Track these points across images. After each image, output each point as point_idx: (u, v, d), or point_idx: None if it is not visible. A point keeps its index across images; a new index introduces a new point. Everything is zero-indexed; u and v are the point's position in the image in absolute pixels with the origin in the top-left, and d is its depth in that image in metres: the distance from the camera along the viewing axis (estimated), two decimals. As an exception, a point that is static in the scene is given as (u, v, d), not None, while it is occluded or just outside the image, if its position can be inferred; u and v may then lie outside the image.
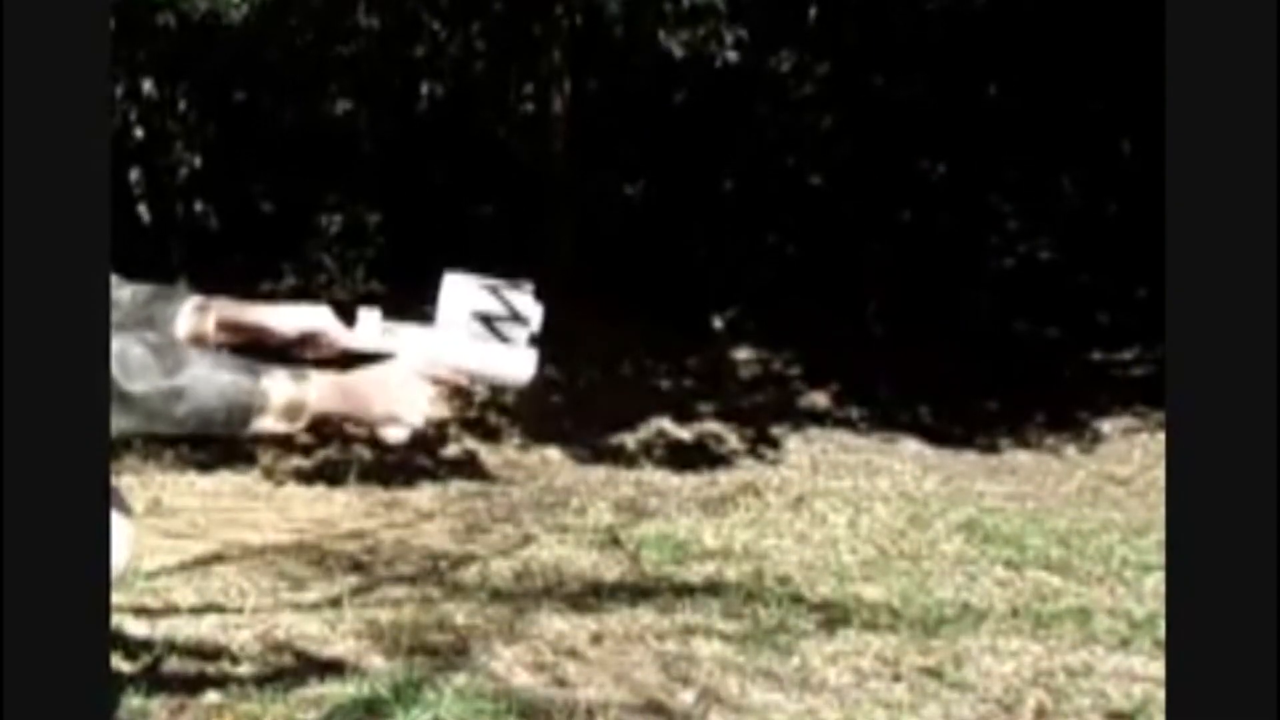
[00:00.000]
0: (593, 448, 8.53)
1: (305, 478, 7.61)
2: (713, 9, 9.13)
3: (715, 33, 9.03)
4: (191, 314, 2.13)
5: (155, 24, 8.52)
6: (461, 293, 2.02)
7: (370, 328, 2.05)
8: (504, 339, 2.02)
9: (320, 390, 1.94)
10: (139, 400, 1.81)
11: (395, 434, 2.01)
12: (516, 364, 2.04)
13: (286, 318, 2.14)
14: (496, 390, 9.30)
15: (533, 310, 2.03)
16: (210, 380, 1.87)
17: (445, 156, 11.20)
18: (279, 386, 1.91)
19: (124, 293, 2.10)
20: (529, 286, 2.04)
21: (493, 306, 2.02)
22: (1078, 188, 11.65)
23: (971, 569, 4.93)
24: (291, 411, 1.92)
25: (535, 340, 2.04)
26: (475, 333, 2.01)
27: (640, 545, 5.20)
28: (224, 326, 2.14)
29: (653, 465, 8.25)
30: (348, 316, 2.10)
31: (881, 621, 3.92)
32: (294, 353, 2.12)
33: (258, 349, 2.11)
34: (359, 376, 1.99)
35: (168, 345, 1.90)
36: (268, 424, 1.91)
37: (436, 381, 2.02)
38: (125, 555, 2.11)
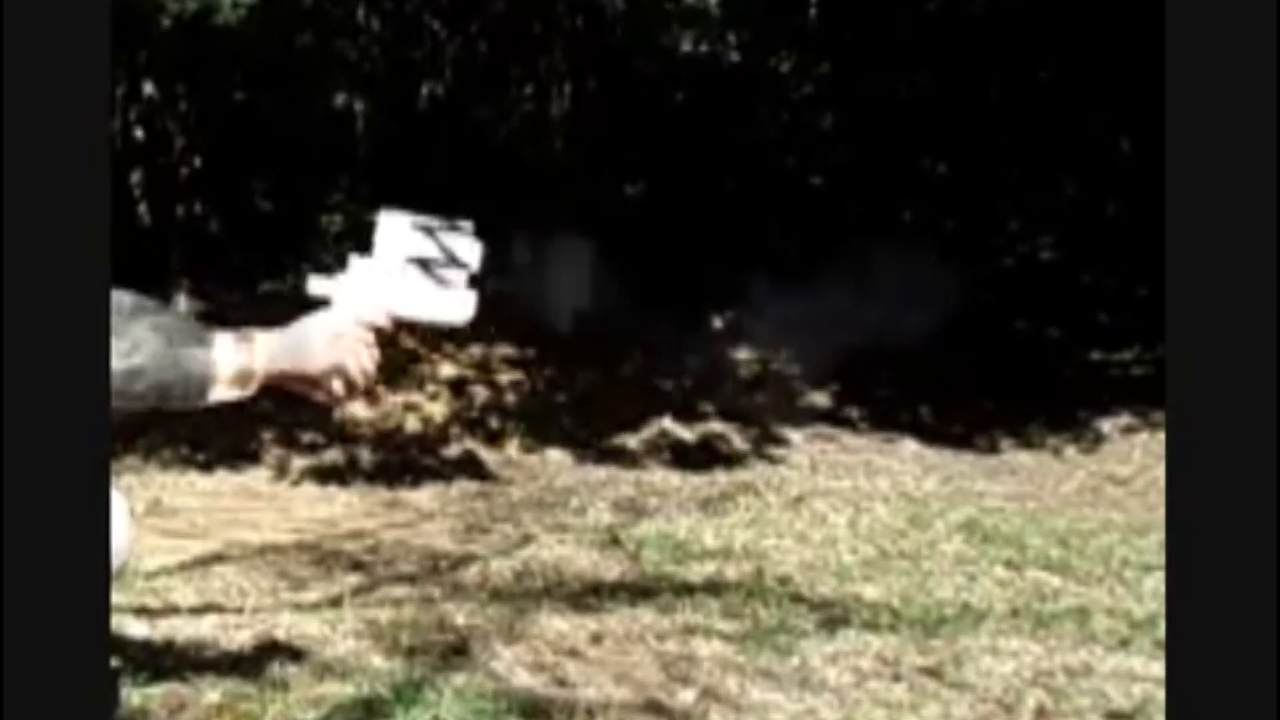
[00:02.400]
0: (593, 448, 8.53)
1: (306, 477, 7.61)
2: (706, 13, 9.13)
3: (719, 35, 9.05)
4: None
5: (155, 25, 8.52)
6: (398, 234, 1.98)
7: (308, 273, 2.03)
8: (442, 283, 2.00)
9: (265, 351, 1.93)
10: None
11: (337, 387, 1.98)
12: (454, 307, 2.01)
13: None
14: (498, 390, 9.32)
15: (471, 252, 2.00)
16: (166, 355, 1.87)
17: (445, 156, 11.20)
18: (226, 355, 1.91)
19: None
20: (467, 225, 2.01)
21: (429, 250, 1.98)
22: (1078, 188, 11.66)
23: (971, 569, 4.93)
24: (241, 378, 1.92)
25: (475, 280, 2.01)
26: (412, 277, 1.98)
27: (640, 545, 5.20)
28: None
29: (653, 465, 8.25)
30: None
31: (881, 621, 3.92)
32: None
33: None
34: (299, 329, 1.97)
35: (122, 323, 1.89)
36: (220, 393, 1.92)
37: (376, 329, 1.99)
38: (124, 543, 2.11)
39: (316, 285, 2.02)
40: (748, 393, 9.87)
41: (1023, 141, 11.21)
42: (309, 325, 1.97)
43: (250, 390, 1.93)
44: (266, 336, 1.95)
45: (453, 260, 1.98)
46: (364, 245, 2.03)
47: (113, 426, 1.77)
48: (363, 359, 1.97)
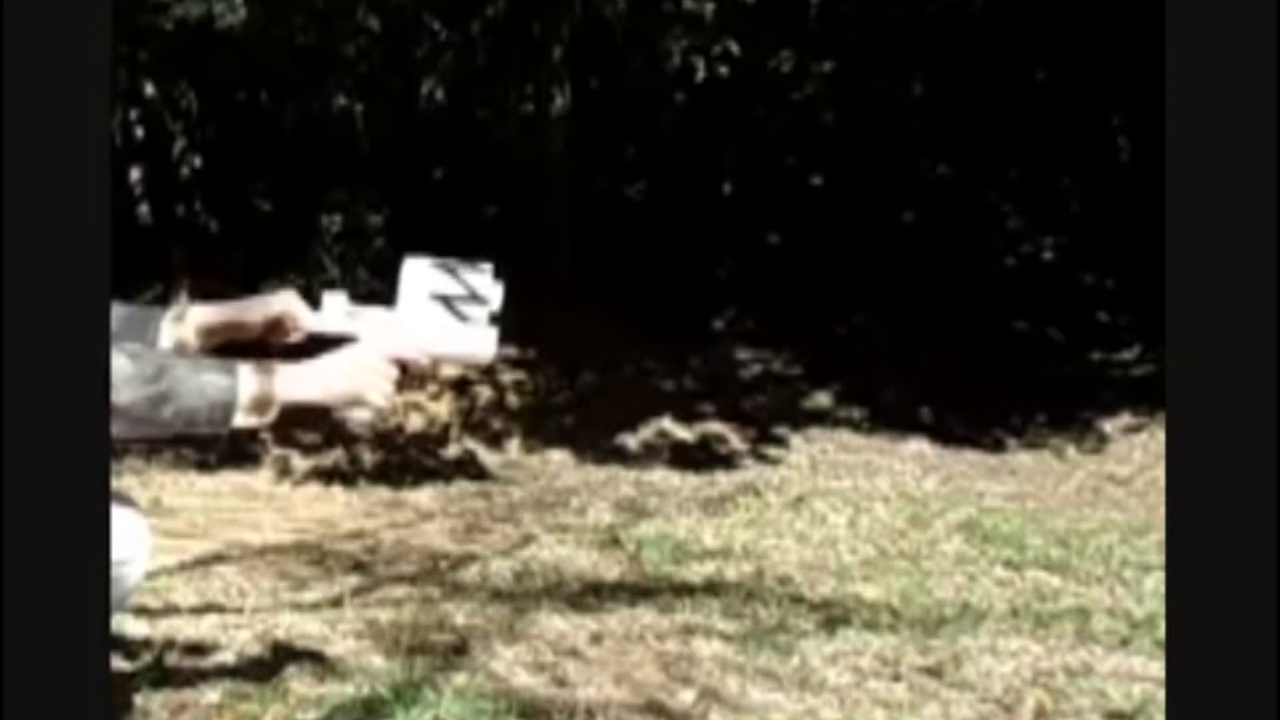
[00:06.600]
0: (593, 448, 8.53)
1: (306, 477, 7.61)
2: (701, 19, 9.12)
3: (712, 42, 9.03)
4: (169, 325, 2.16)
5: (156, 25, 8.52)
6: (421, 275, 2.04)
7: (335, 311, 2.08)
8: (464, 318, 2.03)
9: (285, 381, 1.96)
10: (125, 409, 1.84)
11: (359, 415, 2.02)
12: (477, 342, 2.05)
13: (254, 309, 2.17)
14: (500, 390, 9.32)
15: (491, 289, 2.05)
16: (191, 381, 1.89)
17: (445, 156, 11.20)
18: (246, 382, 1.93)
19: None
20: (487, 267, 2.06)
21: (451, 287, 2.03)
22: (1079, 188, 11.66)
23: (971, 569, 4.92)
24: (260, 405, 1.94)
25: (495, 319, 2.06)
26: (436, 314, 2.03)
27: (640, 545, 5.20)
28: (200, 331, 2.17)
29: (653, 466, 8.25)
30: (313, 301, 2.13)
31: (881, 621, 3.92)
32: (268, 341, 2.15)
33: (235, 346, 2.14)
34: (322, 363, 2.01)
35: (147, 351, 1.93)
36: (239, 419, 1.93)
37: (400, 363, 2.03)
38: (143, 561, 2.13)
39: (333, 319, 2.04)
40: (748, 393, 9.87)
41: (1023, 141, 11.21)
42: (338, 360, 2.02)
43: (269, 418, 1.96)
44: (287, 367, 1.98)
45: (474, 297, 2.02)
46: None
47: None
48: (386, 389, 2.00)
